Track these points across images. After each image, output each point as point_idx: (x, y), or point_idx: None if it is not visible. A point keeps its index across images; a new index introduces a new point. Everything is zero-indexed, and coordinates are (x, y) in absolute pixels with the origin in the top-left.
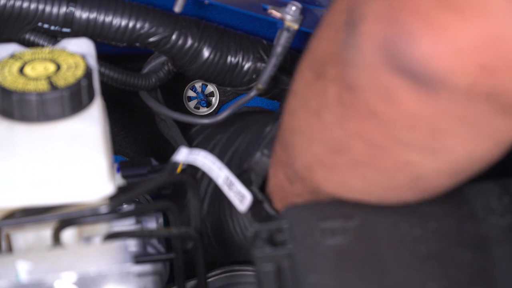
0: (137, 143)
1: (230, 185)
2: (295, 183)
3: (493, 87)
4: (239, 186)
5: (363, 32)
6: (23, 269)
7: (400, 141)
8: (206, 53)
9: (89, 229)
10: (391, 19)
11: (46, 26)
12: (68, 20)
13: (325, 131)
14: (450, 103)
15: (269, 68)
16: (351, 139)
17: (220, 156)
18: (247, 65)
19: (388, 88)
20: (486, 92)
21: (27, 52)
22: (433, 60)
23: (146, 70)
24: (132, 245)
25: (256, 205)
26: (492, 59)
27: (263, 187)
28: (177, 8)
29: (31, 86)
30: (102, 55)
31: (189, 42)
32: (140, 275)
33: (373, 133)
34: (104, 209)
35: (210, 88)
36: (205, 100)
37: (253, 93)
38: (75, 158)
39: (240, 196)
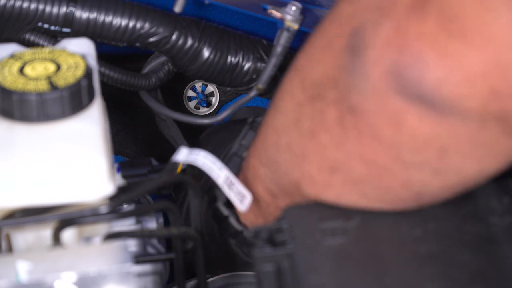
0: (137, 143)
1: (230, 185)
2: (280, 197)
3: (503, 110)
4: (239, 186)
5: (370, 58)
6: (23, 269)
7: (405, 162)
8: (206, 53)
9: (89, 229)
10: (399, 46)
11: (46, 26)
12: (68, 20)
13: (321, 151)
14: (460, 126)
15: (269, 68)
16: (351, 160)
17: None
18: (247, 65)
19: (397, 113)
20: (497, 115)
21: (27, 52)
22: (444, 86)
23: (146, 70)
24: (132, 245)
25: (222, 221)
26: (500, 84)
27: (228, 202)
28: (177, 8)
29: (31, 86)
30: (102, 55)
31: (189, 42)
32: (140, 275)
33: (377, 155)
34: (104, 209)
35: (210, 88)
36: (205, 100)
37: (253, 93)
38: (75, 158)
39: (240, 196)
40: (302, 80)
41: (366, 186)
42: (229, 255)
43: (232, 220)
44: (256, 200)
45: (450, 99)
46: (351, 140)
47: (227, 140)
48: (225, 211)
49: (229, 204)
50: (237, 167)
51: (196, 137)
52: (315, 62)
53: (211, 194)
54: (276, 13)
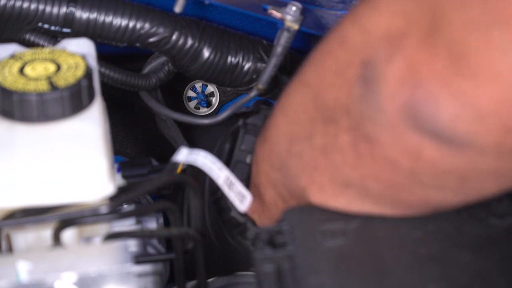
0: (137, 143)
1: (230, 185)
2: (290, 201)
3: None
4: (239, 186)
5: (384, 93)
6: (23, 269)
7: (425, 184)
8: (206, 53)
9: (89, 229)
10: (413, 84)
11: (46, 26)
12: (68, 20)
13: (333, 168)
14: (478, 159)
15: (269, 68)
16: (365, 179)
17: None
18: (247, 65)
19: (414, 146)
20: None
21: (27, 52)
22: (458, 124)
23: (146, 70)
24: (132, 245)
25: (240, 227)
26: None
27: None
28: (177, 8)
29: (31, 86)
30: (103, 55)
31: (189, 42)
32: (140, 275)
33: (394, 178)
34: (104, 209)
35: (210, 88)
36: (205, 100)
37: (253, 93)
38: (75, 158)
39: (240, 196)
40: (315, 99)
41: (381, 199)
42: (236, 255)
43: (250, 226)
44: (269, 204)
45: (465, 136)
46: (366, 164)
47: (217, 136)
48: (241, 219)
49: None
50: (245, 173)
51: (196, 137)
52: (327, 85)
53: (222, 204)
54: (276, 13)
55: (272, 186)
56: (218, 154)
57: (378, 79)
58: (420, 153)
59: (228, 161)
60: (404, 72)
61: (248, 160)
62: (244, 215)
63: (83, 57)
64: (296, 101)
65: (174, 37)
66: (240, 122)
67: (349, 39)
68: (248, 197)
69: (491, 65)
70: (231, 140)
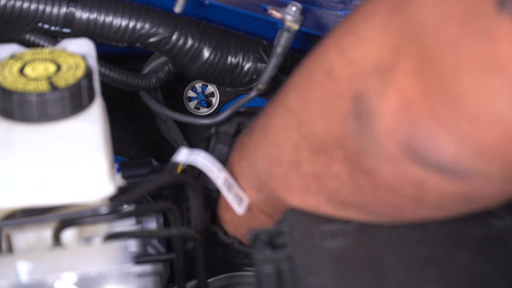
0: (137, 143)
1: (229, 187)
2: (276, 215)
3: None
4: (237, 189)
5: (382, 130)
6: (23, 269)
7: (427, 206)
8: (206, 53)
9: (89, 229)
10: (410, 121)
11: (46, 26)
12: (69, 21)
13: (329, 192)
14: (484, 186)
15: (269, 68)
16: (366, 201)
17: None
18: (247, 66)
19: (417, 178)
20: None
21: (27, 53)
22: (460, 160)
23: (146, 70)
24: (132, 245)
25: (211, 236)
26: None
27: (213, 218)
28: (177, 9)
29: (32, 86)
30: (103, 56)
31: (189, 42)
32: (140, 275)
33: (397, 203)
34: (104, 210)
35: (211, 88)
36: (205, 101)
37: (253, 93)
38: (76, 159)
39: (238, 199)
40: (300, 127)
41: (382, 216)
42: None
43: (221, 235)
44: (249, 219)
45: (468, 170)
46: (366, 191)
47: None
48: (212, 228)
49: (214, 221)
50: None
51: (196, 137)
52: (315, 116)
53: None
54: (276, 14)
55: (253, 203)
56: None
57: (373, 116)
58: (424, 183)
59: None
60: (400, 108)
61: None
62: (215, 224)
63: (83, 57)
64: (277, 124)
65: (174, 37)
66: (213, 129)
67: (336, 71)
68: (245, 199)
69: (487, 109)
70: (204, 147)
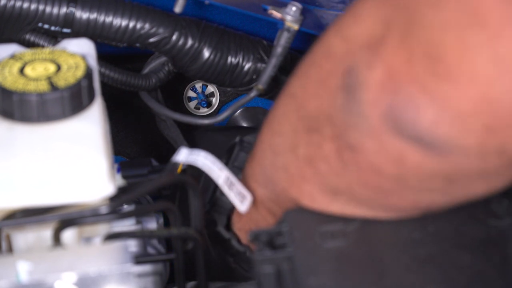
0: (137, 143)
1: (231, 185)
2: (280, 214)
3: (501, 145)
4: (240, 187)
5: (366, 100)
6: (23, 269)
7: (413, 187)
8: (206, 53)
9: (89, 229)
10: (392, 89)
11: (46, 26)
12: (69, 21)
13: (320, 177)
14: (463, 162)
15: (269, 68)
16: (353, 186)
17: None
18: (247, 66)
19: (398, 152)
20: (496, 149)
21: (27, 53)
22: (438, 127)
23: (146, 70)
24: (132, 245)
25: (224, 243)
26: (492, 120)
27: (227, 225)
28: (178, 9)
29: (32, 86)
30: (103, 56)
31: (189, 42)
32: (140, 275)
33: (381, 183)
34: (104, 210)
35: (211, 88)
36: (205, 101)
37: (253, 93)
38: (76, 159)
39: (240, 197)
40: (298, 109)
41: (371, 204)
42: (227, 269)
43: (234, 243)
44: (258, 221)
45: (446, 139)
46: (352, 172)
47: (220, 144)
48: (226, 234)
49: (228, 228)
50: None
51: (196, 137)
52: (311, 95)
53: (210, 218)
54: (276, 14)
55: (260, 203)
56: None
57: (360, 87)
58: (404, 159)
59: None
60: (384, 77)
61: (239, 177)
62: (230, 231)
63: (83, 57)
64: (280, 113)
65: (174, 37)
66: (237, 139)
67: (332, 49)
68: (248, 197)
69: (467, 66)
70: (226, 157)
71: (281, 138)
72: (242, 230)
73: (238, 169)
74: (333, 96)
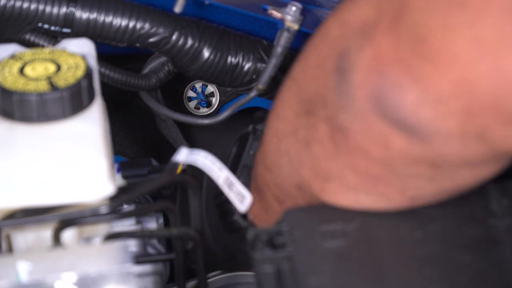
0: (137, 143)
1: (231, 185)
2: (286, 202)
3: (480, 129)
4: (239, 187)
5: (355, 81)
6: (23, 269)
7: (399, 173)
8: (206, 53)
9: (89, 229)
10: (379, 70)
11: (46, 26)
12: (68, 21)
13: (315, 161)
14: (445, 147)
15: (269, 68)
16: (343, 171)
17: None
18: (247, 66)
19: (383, 135)
20: (477, 134)
21: (27, 53)
22: (420, 109)
23: (146, 70)
24: (132, 245)
25: (241, 232)
26: (471, 102)
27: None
28: (177, 9)
29: (32, 86)
30: (103, 56)
31: (189, 42)
32: (140, 275)
33: (369, 168)
34: (104, 210)
35: (210, 88)
36: (205, 101)
37: (253, 93)
38: (76, 159)
39: (240, 197)
40: (299, 92)
41: (360, 192)
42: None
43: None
44: (266, 208)
45: (427, 122)
46: (342, 154)
47: (222, 139)
48: (242, 223)
49: (244, 217)
50: (248, 178)
51: (196, 137)
52: (309, 78)
53: (225, 208)
54: (276, 14)
55: (267, 188)
56: (224, 157)
57: (350, 69)
58: (390, 142)
59: (234, 165)
60: (372, 60)
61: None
62: (247, 220)
63: (83, 57)
64: (282, 97)
65: (174, 37)
66: (250, 127)
67: (330, 33)
68: (248, 197)
69: (448, 47)
70: (238, 145)
71: (284, 122)
72: (256, 218)
73: (253, 158)
74: (328, 78)
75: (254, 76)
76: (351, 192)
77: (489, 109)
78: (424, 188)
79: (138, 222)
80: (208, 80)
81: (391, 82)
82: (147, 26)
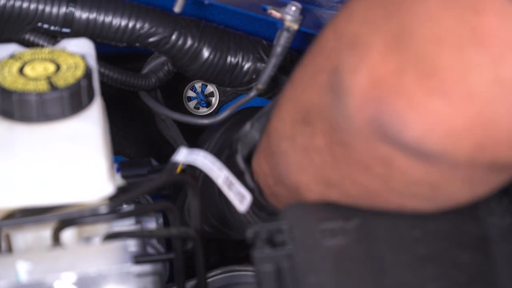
0: (137, 143)
1: (230, 185)
2: (278, 185)
3: (491, 160)
4: (239, 187)
5: (352, 106)
6: (23, 269)
7: (398, 192)
8: (206, 53)
9: (89, 229)
10: (377, 99)
11: (46, 26)
12: (68, 20)
13: (315, 168)
14: (450, 171)
15: (269, 68)
16: (344, 180)
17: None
18: (247, 65)
19: (385, 156)
20: (486, 163)
21: (27, 52)
22: (426, 142)
23: (146, 70)
24: (132, 245)
25: (238, 177)
26: (485, 139)
27: (249, 160)
28: (177, 8)
29: (31, 86)
30: (102, 55)
31: (189, 42)
32: (140, 275)
33: (369, 183)
34: (104, 209)
35: (210, 88)
36: (205, 100)
37: (253, 93)
38: (75, 158)
39: (240, 197)
40: (294, 98)
41: (360, 203)
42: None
43: (248, 177)
44: (263, 174)
45: (435, 151)
46: (342, 166)
47: (228, 140)
48: (241, 166)
49: (248, 160)
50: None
51: (196, 137)
52: (304, 88)
53: (233, 147)
54: (275, 14)
55: (266, 162)
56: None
57: (345, 90)
58: (391, 162)
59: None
60: (369, 85)
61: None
62: (249, 166)
63: (83, 57)
64: (282, 98)
65: (173, 37)
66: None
67: (325, 44)
68: (247, 197)
69: (465, 84)
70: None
71: (282, 123)
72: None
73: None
74: (322, 93)
75: (253, 76)
76: (353, 199)
77: (505, 143)
78: (422, 206)
79: (138, 222)
80: (207, 80)
81: (392, 113)
82: (146, 26)
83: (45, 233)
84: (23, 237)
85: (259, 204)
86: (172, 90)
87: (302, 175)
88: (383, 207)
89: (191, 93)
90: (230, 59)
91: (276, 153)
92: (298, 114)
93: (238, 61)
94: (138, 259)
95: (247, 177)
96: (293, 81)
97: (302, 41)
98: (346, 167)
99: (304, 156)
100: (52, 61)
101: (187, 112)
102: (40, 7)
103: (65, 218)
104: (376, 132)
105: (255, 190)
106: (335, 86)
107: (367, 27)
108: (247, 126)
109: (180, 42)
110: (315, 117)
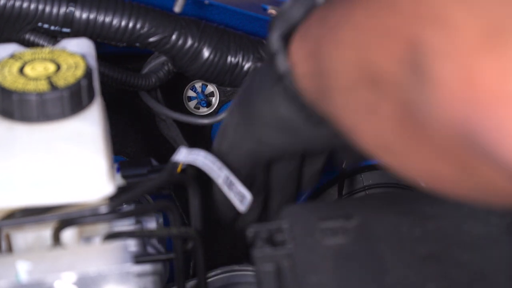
0: (137, 143)
1: (230, 185)
2: (319, 95)
3: None
4: (239, 186)
5: (436, 101)
6: (23, 269)
7: (467, 187)
8: (206, 53)
9: (89, 229)
10: (474, 103)
11: (46, 26)
12: (68, 20)
13: (375, 129)
14: None
15: None
16: (407, 155)
17: None
18: (247, 65)
19: (466, 162)
20: None
21: (27, 52)
22: None
23: (146, 70)
24: (132, 245)
25: (270, 58)
26: None
27: (286, 36)
28: (177, 8)
29: (31, 86)
30: (102, 55)
31: (189, 42)
32: (140, 275)
33: (436, 167)
34: (104, 209)
35: (210, 88)
36: (205, 100)
37: None
38: (75, 158)
39: (240, 196)
40: (359, 50)
41: (418, 179)
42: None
43: (281, 59)
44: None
45: None
46: (410, 143)
47: None
48: (275, 45)
49: (286, 37)
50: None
51: (196, 137)
52: (371, 46)
53: (270, 23)
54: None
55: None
56: None
57: (431, 78)
58: (476, 170)
59: None
60: (463, 81)
61: None
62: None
63: (83, 57)
64: (341, 33)
65: (173, 37)
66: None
67: (401, 4)
68: (248, 197)
69: None
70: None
71: (342, 65)
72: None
73: None
74: (396, 64)
75: None
76: (411, 174)
77: None
78: (496, 202)
79: (138, 222)
80: (208, 79)
81: (492, 123)
82: (147, 26)
83: (45, 233)
84: (23, 237)
85: (291, 92)
86: (172, 90)
87: (358, 128)
88: (444, 194)
89: (191, 93)
90: (230, 59)
91: (325, 76)
92: (362, 71)
93: (238, 61)
94: (138, 259)
95: (280, 58)
96: (356, 26)
97: None
98: (415, 144)
99: (365, 114)
100: (52, 61)
101: (187, 112)
102: (40, 7)
103: (65, 218)
104: (464, 139)
105: (287, 75)
106: (417, 67)
107: (458, 2)
108: (289, 2)
109: (180, 42)
110: (385, 83)
